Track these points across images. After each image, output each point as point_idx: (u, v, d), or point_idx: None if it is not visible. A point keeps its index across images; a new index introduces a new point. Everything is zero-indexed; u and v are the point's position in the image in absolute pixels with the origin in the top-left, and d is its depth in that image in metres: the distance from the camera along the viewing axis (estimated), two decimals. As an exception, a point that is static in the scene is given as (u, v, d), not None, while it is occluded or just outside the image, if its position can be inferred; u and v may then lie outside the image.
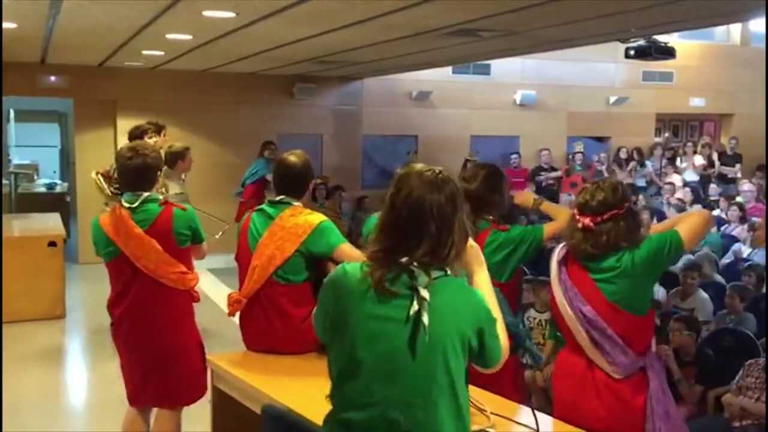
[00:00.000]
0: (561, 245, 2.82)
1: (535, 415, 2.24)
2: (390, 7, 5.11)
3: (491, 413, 2.47)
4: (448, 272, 1.92)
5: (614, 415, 2.59)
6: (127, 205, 3.40)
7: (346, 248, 3.08)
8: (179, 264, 3.42)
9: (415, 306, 1.83)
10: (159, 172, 3.51)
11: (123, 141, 6.40)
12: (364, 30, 6.06)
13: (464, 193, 3.16)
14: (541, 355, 3.30)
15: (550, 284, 2.81)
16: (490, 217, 3.24)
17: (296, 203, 3.23)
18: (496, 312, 2.02)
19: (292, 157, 3.26)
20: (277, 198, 3.25)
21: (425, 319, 1.82)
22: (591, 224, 2.67)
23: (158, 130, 5.99)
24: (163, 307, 3.43)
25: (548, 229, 3.22)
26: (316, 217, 3.16)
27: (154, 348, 3.44)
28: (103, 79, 9.65)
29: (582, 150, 11.58)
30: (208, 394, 3.37)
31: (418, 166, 1.99)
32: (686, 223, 2.73)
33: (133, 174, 3.41)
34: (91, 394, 5.38)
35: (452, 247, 1.92)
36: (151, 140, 5.54)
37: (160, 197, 3.49)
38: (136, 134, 5.75)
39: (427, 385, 1.85)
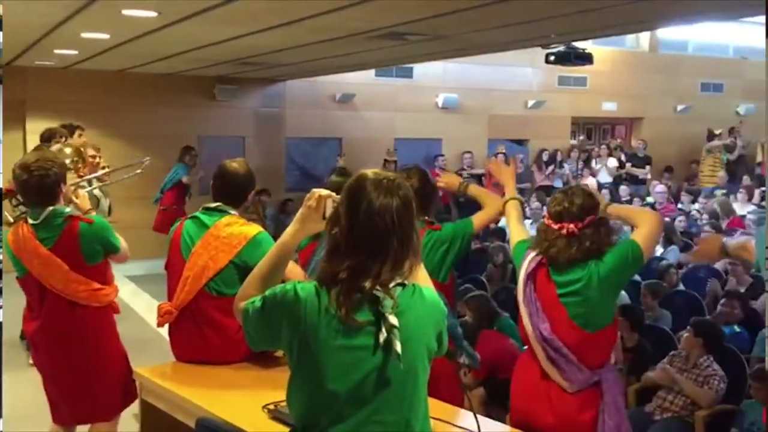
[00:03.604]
0: (531, 255, 2.80)
1: (476, 417, 2.25)
2: (317, 9, 5.07)
3: (431, 418, 2.47)
4: (405, 282, 1.88)
5: (563, 425, 2.63)
6: (31, 221, 3.21)
7: (293, 267, 2.97)
8: (90, 281, 3.23)
9: (384, 333, 1.79)
10: (62, 184, 3.25)
11: (33, 143, 6.14)
12: (289, 32, 6.00)
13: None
14: (476, 354, 3.34)
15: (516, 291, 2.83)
16: (426, 218, 3.22)
17: (233, 212, 3.13)
18: (434, 291, 2.00)
19: (235, 165, 3.16)
20: (213, 205, 3.15)
21: (398, 347, 1.78)
22: (576, 230, 2.69)
23: (71, 131, 5.78)
24: (77, 325, 3.25)
25: (477, 220, 3.23)
26: (253, 228, 3.08)
27: (70, 367, 3.28)
28: (11, 79, 9.16)
29: (504, 151, 11.84)
30: (135, 408, 3.25)
31: (369, 173, 1.91)
32: (643, 231, 2.76)
33: (32, 193, 3.22)
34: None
35: (411, 257, 1.88)
36: (57, 145, 5.34)
37: (67, 210, 3.25)
38: (44, 137, 5.56)
39: (400, 402, 1.85)
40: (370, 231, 1.84)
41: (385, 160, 11.06)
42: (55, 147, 5.18)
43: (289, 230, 2.09)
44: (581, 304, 2.66)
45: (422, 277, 2.03)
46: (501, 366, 4.37)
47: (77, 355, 3.27)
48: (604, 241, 2.70)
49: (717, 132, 12.58)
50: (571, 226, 2.69)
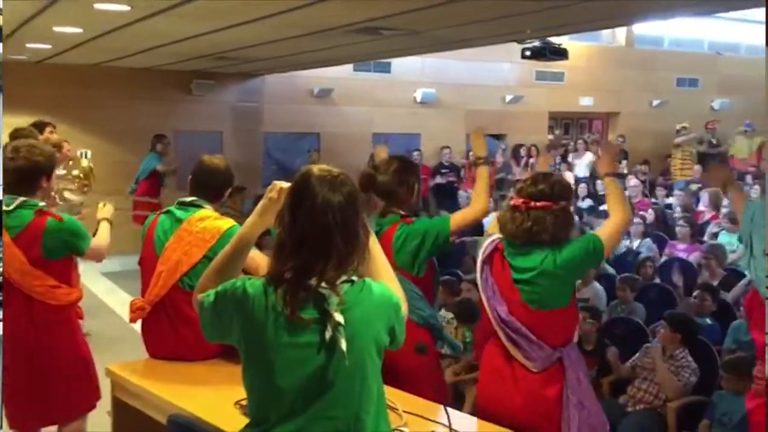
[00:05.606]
0: (489, 240, 2.85)
1: (447, 412, 2.27)
2: (290, 4, 5.06)
3: (403, 411, 2.49)
4: (354, 278, 1.88)
5: (530, 405, 2.67)
6: (4, 207, 3.18)
7: (256, 256, 2.95)
8: (48, 277, 3.20)
9: (330, 330, 1.80)
10: (45, 177, 3.23)
11: (6, 139, 6.04)
12: (264, 27, 5.97)
13: (373, 183, 3.21)
14: (458, 343, 3.38)
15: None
16: (400, 212, 3.21)
17: (207, 207, 3.12)
18: (395, 286, 2.00)
19: (216, 161, 3.16)
20: (189, 199, 3.13)
21: (343, 345, 1.79)
22: (521, 204, 2.72)
23: (41, 128, 5.65)
24: (33, 321, 3.20)
25: (455, 219, 3.18)
26: (225, 223, 3.07)
27: (24, 366, 3.22)
28: (-17, 73, 9.05)
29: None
30: (108, 405, 3.23)
31: (315, 169, 1.91)
32: (609, 229, 2.81)
33: (12, 176, 3.17)
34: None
35: (358, 254, 1.89)
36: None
37: (40, 204, 3.21)
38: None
39: (349, 397, 1.86)
40: (312, 229, 1.84)
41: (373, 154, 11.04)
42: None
43: (248, 222, 2.09)
44: (534, 291, 2.70)
45: (380, 270, 2.04)
46: None
47: (32, 353, 3.22)
48: (546, 230, 2.69)
49: (678, 127, 12.64)
50: (519, 201, 2.73)
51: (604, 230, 2.82)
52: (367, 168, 3.35)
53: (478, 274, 2.83)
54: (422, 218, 3.26)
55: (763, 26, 14.18)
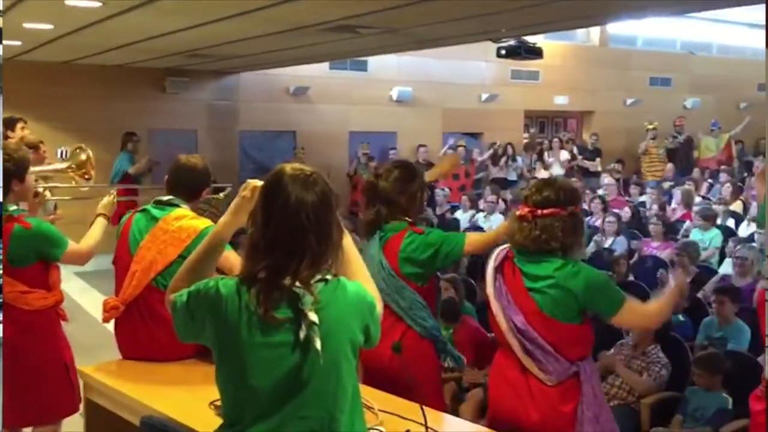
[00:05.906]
0: (500, 248, 2.81)
1: (423, 410, 2.27)
2: (264, 2, 5.03)
3: (379, 410, 2.49)
4: (328, 277, 1.87)
5: (546, 419, 2.61)
6: None
7: (230, 255, 2.93)
8: (17, 283, 3.16)
9: (304, 330, 1.78)
10: (16, 180, 3.16)
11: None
12: (239, 24, 5.94)
13: (375, 189, 3.15)
14: (462, 356, 3.31)
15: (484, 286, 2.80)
16: (406, 218, 3.15)
17: (184, 206, 3.09)
18: (370, 286, 1.99)
19: (193, 160, 3.13)
20: (165, 198, 3.10)
21: (317, 344, 1.78)
22: (528, 213, 2.67)
23: (12, 124, 5.56)
24: (8, 326, 3.18)
25: (470, 240, 3.10)
26: (202, 222, 3.04)
27: (10, 368, 3.19)
28: (-49, 69, 8.89)
29: (464, 144, 11.94)
30: (80, 407, 3.20)
31: (287, 168, 1.89)
32: (639, 309, 2.72)
33: None
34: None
35: (331, 253, 1.88)
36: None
37: (11, 208, 3.16)
38: None
39: (324, 397, 1.84)
40: (285, 229, 1.82)
41: (363, 154, 11.08)
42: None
43: (222, 221, 2.08)
44: (549, 300, 2.62)
45: (355, 269, 2.03)
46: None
47: (11, 356, 3.19)
48: (555, 236, 2.63)
49: (648, 126, 12.78)
50: (525, 209, 2.68)
51: (634, 303, 2.70)
52: (370, 177, 3.30)
53: (489, 283, 2.75)
54: (436, 230, 3.17)
55: (736, 26, 14.46)
